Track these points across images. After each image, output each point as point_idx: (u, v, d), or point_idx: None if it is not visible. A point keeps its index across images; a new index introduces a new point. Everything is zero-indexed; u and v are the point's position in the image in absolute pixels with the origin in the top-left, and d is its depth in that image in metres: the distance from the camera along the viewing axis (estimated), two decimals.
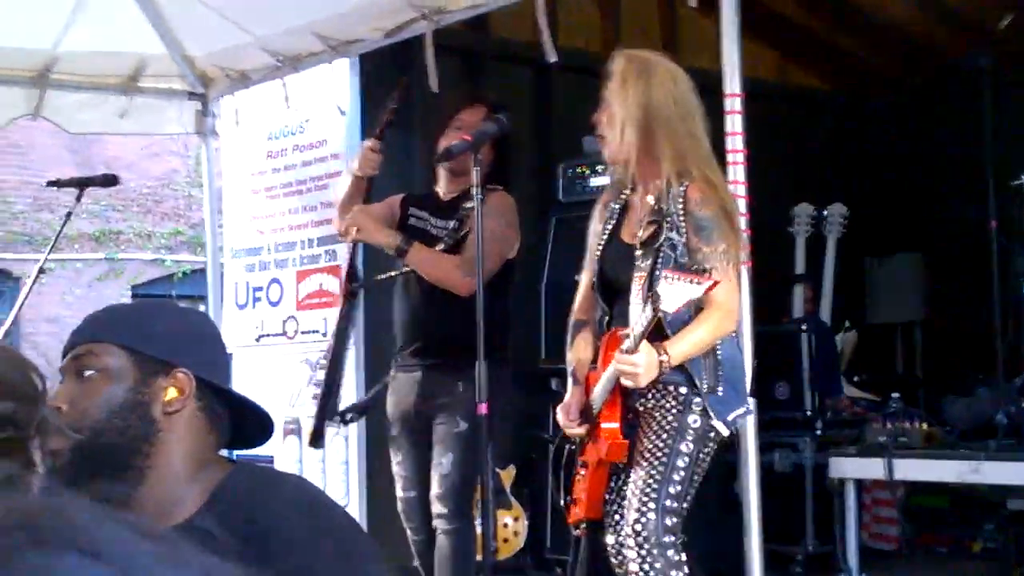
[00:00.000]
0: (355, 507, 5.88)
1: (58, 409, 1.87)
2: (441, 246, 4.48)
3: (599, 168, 6.06)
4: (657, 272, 3.48)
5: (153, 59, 6.31)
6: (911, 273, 7.74)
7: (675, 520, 3.54)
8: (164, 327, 1.99)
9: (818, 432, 6.07)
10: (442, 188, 4.71)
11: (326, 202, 6.13)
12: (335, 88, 5.97)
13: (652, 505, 3.52)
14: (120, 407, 1.89)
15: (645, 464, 3.57)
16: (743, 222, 4.25)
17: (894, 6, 7.63)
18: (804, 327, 6.41)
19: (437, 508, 4.48)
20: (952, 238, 7.40)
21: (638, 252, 3.59)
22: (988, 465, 4.90)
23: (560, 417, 3.80)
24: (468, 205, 4.41)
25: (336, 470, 6.00)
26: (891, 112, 8.39)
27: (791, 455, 6.04)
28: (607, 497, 3.76)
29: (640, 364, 3.46)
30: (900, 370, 7.70)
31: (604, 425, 3.63)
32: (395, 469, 4.64)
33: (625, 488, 3.68)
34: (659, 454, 3.56)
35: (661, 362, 3.48)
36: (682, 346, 3.51)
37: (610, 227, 3.79)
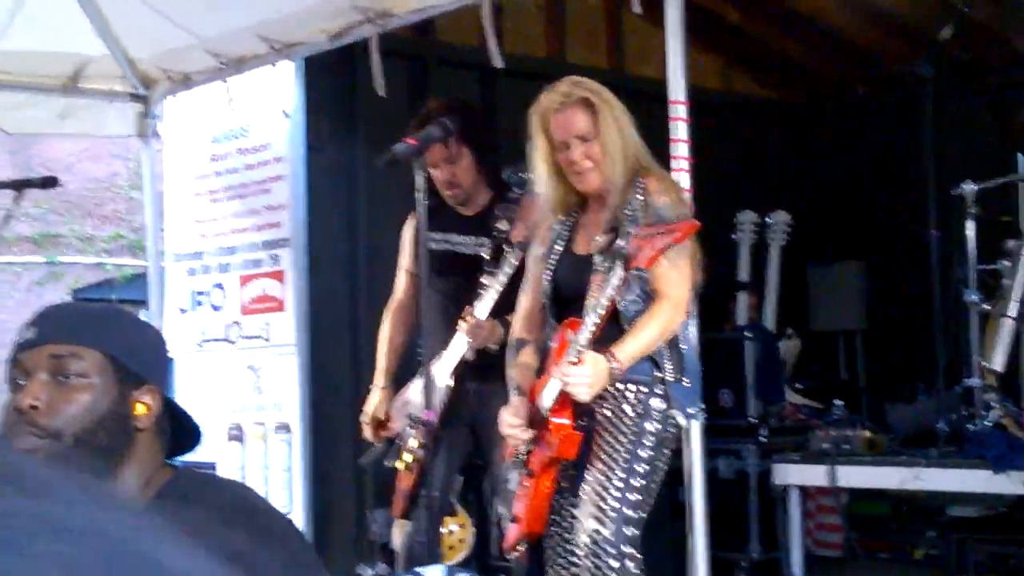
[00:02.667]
0: (298, 514, 5.83)
1: (33, 408, 1.82)
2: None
3: None
4: (616, 271, 3.48)
5: (94, 60, 6.23)
6: (853, 281, 7.80)
7: (634, 531, 3.51)
8: (140, 340, 1.96)
9: (762, 439, 6.09)
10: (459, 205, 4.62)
11: (269, 205, 6.09)
12: (279, 91, 5.93)
13: (612, 514, 3.48)
14: (103, 418, 1.85)
15: (604, 469, 3.53)
16: None
17: (838, 15, 7.69)
18: (748, 334, 6.44)
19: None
20: (894, 246, 7.46)
21: (596, 258, 3.60)
22: (929, 472, 4.94)
23: (503, 425, 3.76)
24: (501, 226, 4.41)
25: (279, 477, 5.96)
26: (834, 120, 8.45)
27: (735, 462, 6.06)
28: (551, 517, 3.70)
29: (587, 375, 3.46)
30: (843, 377, 7.75)
31: (554, 420, 3.57)
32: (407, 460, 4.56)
33: (568, 510, 3.64)
34: (619, 460, 3.53)
35: (611, 370, 3.48)
36: (630, 347, 3.50)
37: (560, 245, 3.80)
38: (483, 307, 4.34)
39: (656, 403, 3.59)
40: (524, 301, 3.91)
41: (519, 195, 4.65)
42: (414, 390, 4.52)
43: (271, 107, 5.99)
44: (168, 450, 1.98)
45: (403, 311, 4.77)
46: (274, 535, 1.84)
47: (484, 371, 4.43)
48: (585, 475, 3.57)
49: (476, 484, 5.67)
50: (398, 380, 4.71)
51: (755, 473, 5.99)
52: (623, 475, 3.52)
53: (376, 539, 5.98)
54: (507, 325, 4.33)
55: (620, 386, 3.59)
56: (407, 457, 4.47)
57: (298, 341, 5.95)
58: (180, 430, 2.00)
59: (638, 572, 3.50)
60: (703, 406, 3.74)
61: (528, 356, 3.84)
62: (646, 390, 3.59)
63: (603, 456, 3.56)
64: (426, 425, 4.05)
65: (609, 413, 3.60)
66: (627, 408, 3.58)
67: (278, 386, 6.00)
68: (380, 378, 4.72)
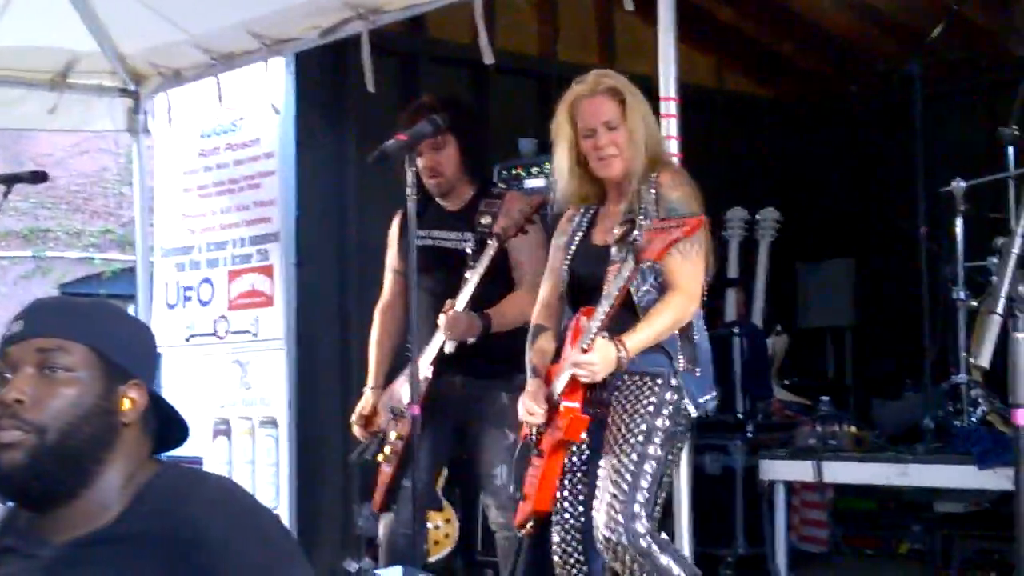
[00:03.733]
0: (284, 509, 5.84)
1: (18, 402, 1.82)
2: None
3: (534, 169, 6.06)
4: (628, 262, 3.55)
5: (84, 55, 6.23)
6: (842, 278, 7.80)
7: (647, 524, 3.58)
8: (127, 334, 1.96)
9: (749, 435, 6.11)
10: (443, 198, 4.63)
11: (258, 201, 6.09)
12: (269, 87, 5.93)
13: (623, 512, 3.57)
14: (88, 412, 1.85)
15: (616, 464, 3.62)
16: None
17: (830, 13, 7.70)
18: (736, 331, 6.45)
19: (498, 517, 4.57)
20: (883, 244, 7.47)
21: (613, 249, 3.68)
22: (915, 468, 4.95)
23: (521, 410, 3.84)
24: (484, 221, 4.42)
25: (266, 472, 5.96)
26: (825, 118, 8.46)
27: (721, 458, 6.07)
28: (558, 494, 3.79)
29: (596, 362, 3.57)
30: (830, 374, 7.76)
31: (564, 404, 3.67)
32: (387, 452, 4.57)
33: (576, 488, 3.79)
34: (632, 455, 3.61)
35: (619, 358, 3.58)
36: (640, 336, 3.61)
37: (579, 236, 3.90)
38: (461, 300, 4.34)
39: (668, 396, 3.67)
40: (544, 290, 4.01)
41: (503, 190, 4.65)
42: (399, 385, 4.53)
43: (261, 103, 5.98)
44: (155, 445, 1.98)
45: (392, 311, 4.78)
46: (256, 530, 1.84)
47: (472, 365, 4.44)
48: (600, 463, 3.68)
49: (462, 479, 5.69)
50: (389, 380, 4.72)
51: (741, 469, 6.00)
52: (631, 479, 3.60)
53: (362, 533, 5.99)
54: (486, 319, 4.35)
55: (636, 378, 3.69)
56: (387, 449, 4.48)
57: (286, 336, 5.95)
58: (167, 425, 2.00)
59: (659, 555, 3.57)
60: (715, 395, 3.80)
61: (546, 341, 3.94)
62: (660, 382, 3.67)
63: (616, 449, 3.64)
64: (408, 417, 4.08)
65: (626, 403, 3.69)
66: (643, 400, 3.67)
67: (265, 381, 5.99)
68: (372, 379, 4.73)
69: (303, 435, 5.98)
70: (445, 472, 5.52)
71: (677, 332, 3.67)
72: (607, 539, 3.57)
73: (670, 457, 3.70)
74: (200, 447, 5.96)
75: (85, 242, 16.74)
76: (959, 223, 5.34)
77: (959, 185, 5.34)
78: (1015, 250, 2.56)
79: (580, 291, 3.83)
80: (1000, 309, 2.50)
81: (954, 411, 5.16)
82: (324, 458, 6.21)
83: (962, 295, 5.29)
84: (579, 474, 3.83)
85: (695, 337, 3.73)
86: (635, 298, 3.64)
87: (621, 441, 3.65)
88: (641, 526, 3.57)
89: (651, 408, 3.65)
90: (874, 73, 7.60)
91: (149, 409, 1.94)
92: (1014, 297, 2.51)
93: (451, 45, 6.90)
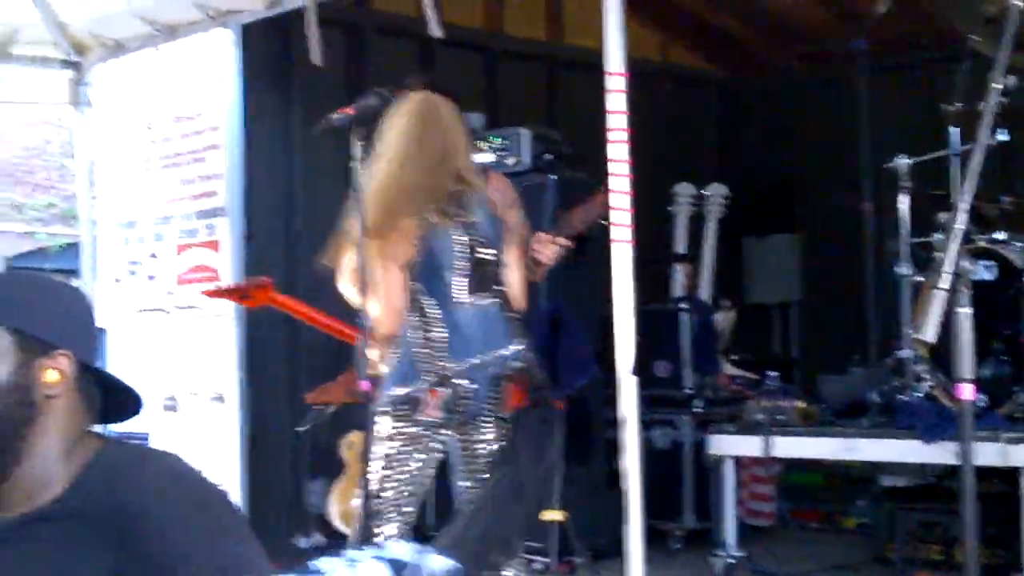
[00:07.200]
0: (233, 485, 5.80)
1: None
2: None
3: (481, 144, 6.04)
4: None
5: (26, 26, 6.14)
6: (788, 254, 7.86)
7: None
8: (46, 306, 1.92)
9: (697, 410, 6.14)
10: None
11: (204, 175, 6.03)
12: (215, 59, 5.86)
13: None
14: (1, 389, 1.82)
15: None
16: (627, 201, 4.28)
17: None
18: (684, 306, 6.48)
19: None
20: (828, 220, 7.52)
21: None
22: (861, 443, 4.99)
23: None
24: None
25: (213, 447, 5.92)
26: (772, 95, 8.49)
27: (670, 432, 6.10)
28: None
29: None
30: (777, 349, 7.81)
31: None
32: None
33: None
34: None
35: None
36: None
37: None
38: None
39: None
40: None
41: None
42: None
43: (207, 75, 5.92)
44: (102, 417, 1.95)
45: None
46: (203, 507, 1.82)
47: None
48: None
49: None
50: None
51: (690, 444, 6.04)
52: None
53: (312, 510, 5.97)
54: None
55: None
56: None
57: (234, 311, 5.90)
58: (113, 396, 1.97)
59: None
60: (410, 390, 3.78)
61: None
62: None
63: None
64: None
65: None
66: None
67: (213, 356, 5.95)
68: None
69: (252, 411, 5.95)
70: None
71: None
72: None
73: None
74: (147, 423, 5.91)
75: (28, 216, 16.54)
76: (903, 199, 5.38)
77: (903, 162, 5.38)
78: (959, 226, 2.57)
79: None
80: (944, 285, 2.52)
81: (899, 386, 5.21)
82: (273, 433, 6.18)
83: (905, 270, 5.34)
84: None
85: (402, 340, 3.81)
86: None
87: None
88: None
89: None
90: (819, 50, 7.64)
91: (84, 380, 1.91)
92: (959, 273, 2.53)
93: (397, 18, 6.86)
